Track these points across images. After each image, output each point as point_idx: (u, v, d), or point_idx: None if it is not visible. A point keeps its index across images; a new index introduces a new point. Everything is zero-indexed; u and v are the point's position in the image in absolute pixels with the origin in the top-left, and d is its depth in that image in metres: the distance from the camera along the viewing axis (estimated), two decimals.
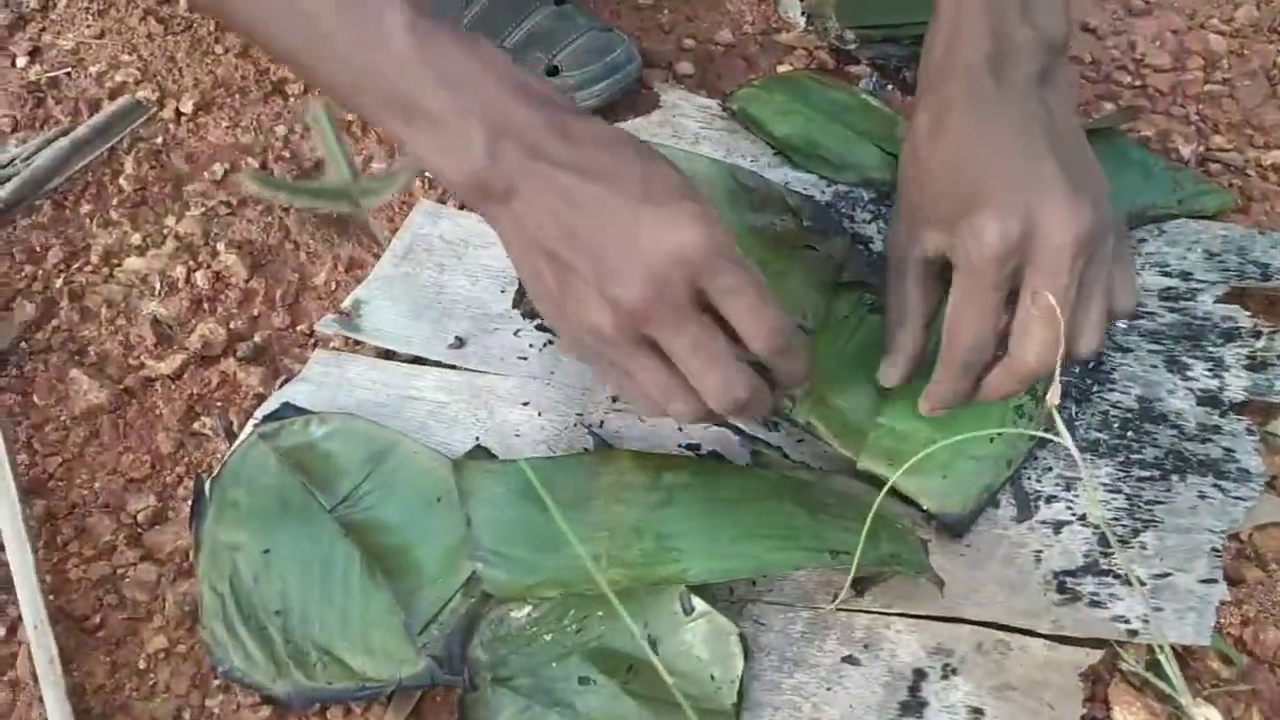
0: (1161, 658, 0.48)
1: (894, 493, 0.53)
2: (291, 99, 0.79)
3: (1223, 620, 0.51)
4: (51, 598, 0.52)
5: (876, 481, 0.54)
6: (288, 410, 0.57)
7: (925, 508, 0.53)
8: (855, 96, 0.77)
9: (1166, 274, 0.64)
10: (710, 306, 0.45)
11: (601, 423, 0.58)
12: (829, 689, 0.49)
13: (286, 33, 0.47)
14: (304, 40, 0.46)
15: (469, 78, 0.44)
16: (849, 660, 0.50)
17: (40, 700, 0.49)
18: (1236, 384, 0.59)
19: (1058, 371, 0.45)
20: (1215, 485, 0.55)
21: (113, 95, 0.79)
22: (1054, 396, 0.44)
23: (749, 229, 0.63)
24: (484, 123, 0.44)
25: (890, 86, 0.80)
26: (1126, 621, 0.50)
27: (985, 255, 0.46)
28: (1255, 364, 0.59)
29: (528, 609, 0.50)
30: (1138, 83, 0.82)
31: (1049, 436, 0.46)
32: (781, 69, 0.82)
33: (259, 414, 0.57)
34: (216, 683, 0.50)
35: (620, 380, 0.48)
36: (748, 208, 0.65)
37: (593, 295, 0.44)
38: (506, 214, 0.46)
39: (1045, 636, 0.50)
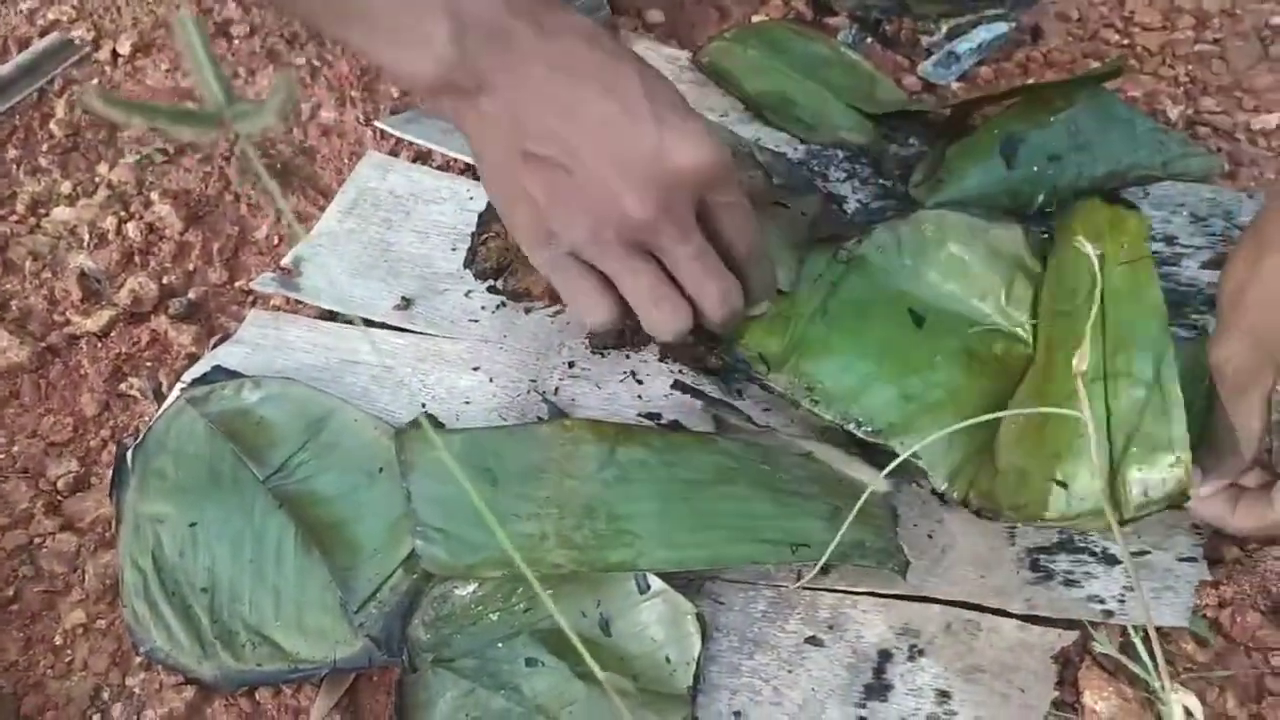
0: (1137, 639, 0.46)
1: (867, 459, 0.51)
2: (236, 41, 0.74)
3: (1200, 601, 0.49)
4: None
5: (849, 444, 0.52)
6: (218, 374, 0.53)
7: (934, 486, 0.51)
8: (834, 50, 0.73)
9: (1151, 238, 0.62)
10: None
11: (556, 390, 0.55)
12: (790, 671, 0.46)
13: None
14: None
15: None
16: (812, 641, 0.47)
17: None
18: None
19: (1088, 338, 0.44)
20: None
21: (44, 34, 0.74)
22: (1081, 363, 0.41)
23: None
24: (446, 10, 0.41)
25: (870, 39, 0.77)
26: (1101, 601, 0.48)
27: None
28: None
29: (473, 587, 0.47)
30: (1126, 41, 0.78)
31: (1069, 412, 0.43)
32: (757, 19, 0.78)
33: (187, 377, 0.54)
34: (138, 660, 0.47)
35: (589, 293, 0.48)
36: None
37: (589, 201, 0.44)
38: (473, 112, 0.44)
39: (1017, 616, 0.47)
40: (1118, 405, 0.47)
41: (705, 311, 0.49)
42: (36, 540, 0.51)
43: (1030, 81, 0.74)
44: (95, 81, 0.72)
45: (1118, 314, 0.49)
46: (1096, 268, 0.48)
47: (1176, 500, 0.46)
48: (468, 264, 0.59)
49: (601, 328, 0.50)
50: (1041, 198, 0.62)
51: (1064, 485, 0.47)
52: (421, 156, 0.66)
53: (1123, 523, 0.47)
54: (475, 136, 0.45)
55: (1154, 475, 0.46)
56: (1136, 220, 0.52)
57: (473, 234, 0.60)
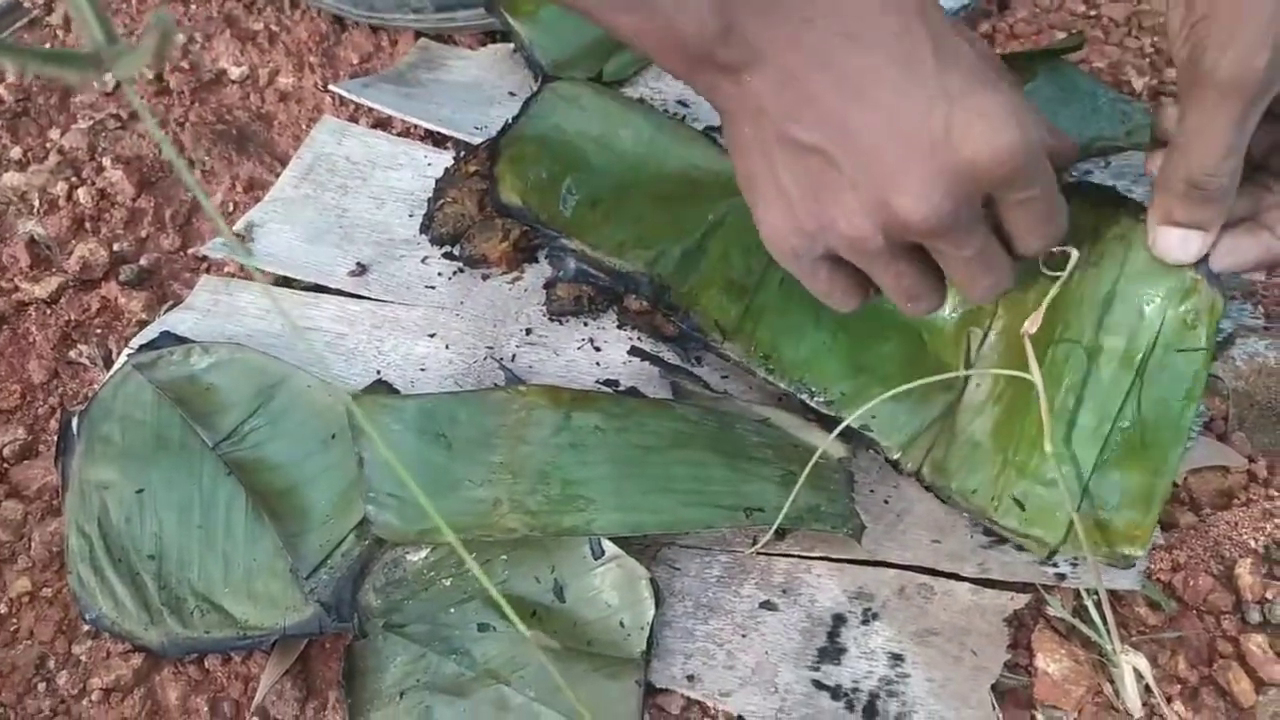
0: (1089, 602, 0.46)
1: (825, 425, 0.51)
2: (192, 5, 0.73)
3: (1153, 565, 0.49)
4: None
5: (806, 410, 0.51)
6: (167, 339, 0.52)
7: (888, 454, 0.50)
8: None
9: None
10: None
11: (514, 356, 0.54)
12: (744, 635, 0.46)
13: None
14: None
15: None
16: (766, 605, 0.47)
17: None
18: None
19: (1044, 307, 0.41)
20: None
21: None
22: (1031, 325, 0.41)
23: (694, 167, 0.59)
24: None
25: None
26: (1055, 564, 0.48)
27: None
28: None
29: (425, 552, 0.47)
30: (1092, 13, 0.78)
31: (1019, 374, 0.42)
32: None
33: (135, 343, 0.53)
34: (85, 629, 0.46)
35: (847, 291, 0.42)
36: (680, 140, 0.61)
37: (858, 199, 0.37)
38: (736, 90, 0.37)
39: (971, 580, 0.48)
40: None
41: (971, 299, 0.42)
42: None
43: (996, 52, 0.73)
44: (47, 47, 0.70)
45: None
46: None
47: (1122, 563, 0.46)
48: (424, 230, 0.58)
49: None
50: None
51: (1020, 505, 0.47)
52: (382, 123, 0.65)
53: (1051, 555, 0.47)
54: (731, 115, 0.38)
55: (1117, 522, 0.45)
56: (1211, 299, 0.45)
57: (430, 200, 0.59)
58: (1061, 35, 0.75)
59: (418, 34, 0.70)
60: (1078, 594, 0.47)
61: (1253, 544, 0.50)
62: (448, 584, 0.46)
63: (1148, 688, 0.45)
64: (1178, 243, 0.43)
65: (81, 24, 0.19)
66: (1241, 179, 0.41)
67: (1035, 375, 0.41)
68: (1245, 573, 0.49)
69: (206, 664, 0.46)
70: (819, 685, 0.45)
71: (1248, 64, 0.36)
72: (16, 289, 0.57)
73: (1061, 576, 0.47)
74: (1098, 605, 0.45)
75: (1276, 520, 0.51)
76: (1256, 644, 0.47)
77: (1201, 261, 0.44)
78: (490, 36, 0.70)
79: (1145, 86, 0.72)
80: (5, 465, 0.51)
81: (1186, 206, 0.42)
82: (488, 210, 0.58)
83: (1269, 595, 0.48)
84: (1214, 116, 0.38)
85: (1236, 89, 0.37)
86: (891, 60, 0.35)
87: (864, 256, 0.40)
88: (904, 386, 0.45)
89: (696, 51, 0.36)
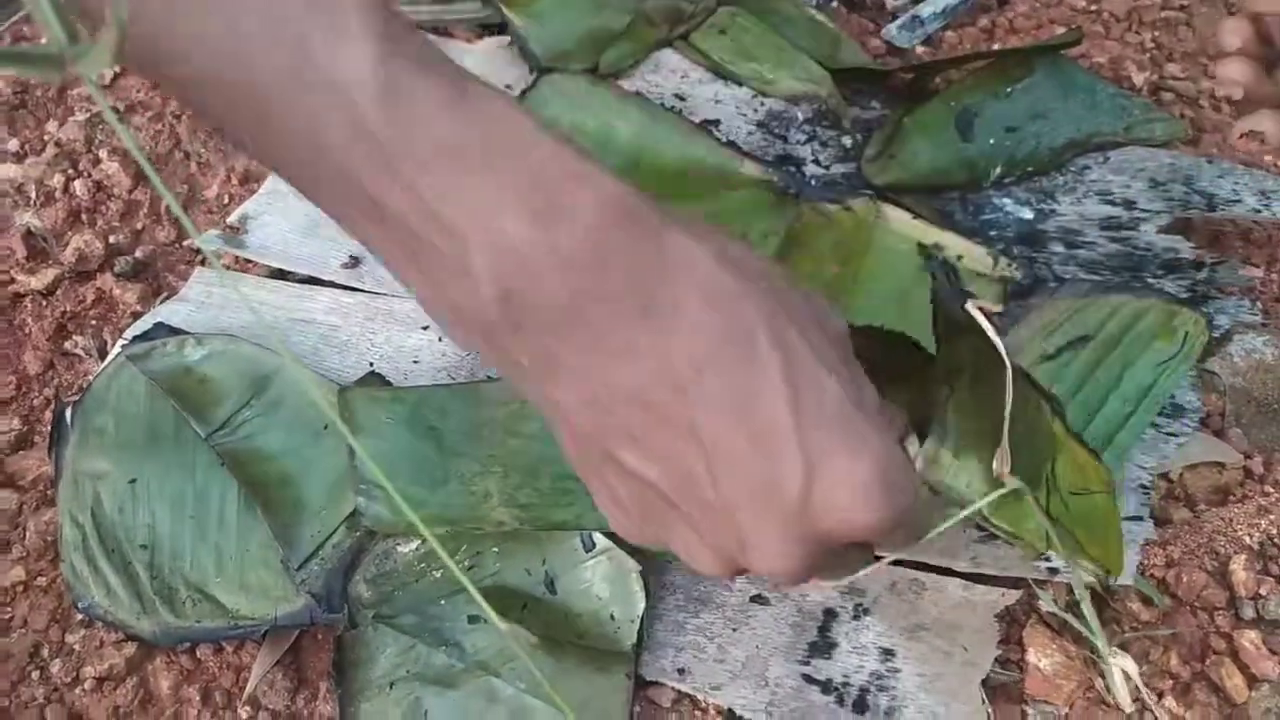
0: (1081, 596, 0.46)
1: None
2: None
3: (1147, 560, 0.49)
4: None
5: None
6: (160, 331, 0.52)
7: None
8: (798, 10, 0.72)
9: (1109, 202, 0.61)
10: None
11: None
12: (735, 629, 0.46)
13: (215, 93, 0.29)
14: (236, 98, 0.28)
15: (469, 167, 0.28)
16: (758, 600, 0.47)
17: None
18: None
19: (1005, 439, 0.37)
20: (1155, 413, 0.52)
21: None
22: (1002, 466, 0.38)
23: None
24: (490, 251, 0.28)
25: (835, 3, 0.76)
26: (1047, 559, 0.48)
27: None
28: (1195, 296, 0.56)
29: (415, 544, 0.47)
30: (1093, 7, 0.78)
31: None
32: None
33: (128, 334, 0.53)
34: (79, 618, 0.47)
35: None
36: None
37: (705, 546, 0.33)
38: (535, 393, 0.32)
39: (963, 575, 0.47)
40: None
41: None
42: None
43: (995, 47, 0.73)
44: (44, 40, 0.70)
45: None
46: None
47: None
48: None
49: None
50: (998, 170, 0.62)
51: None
52: None
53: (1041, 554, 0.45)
54: (543, 414, 0.33)
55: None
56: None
57: None
58: (1061, 30, 0.75)
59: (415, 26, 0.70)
60: (1069, 589, 0.47)
61: (1247, 540, 0.50)
62: (438, 576, 0.46)
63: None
64: None
65: (42, 22, 0.19)
66: None
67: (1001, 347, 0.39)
68: (1239, 568, 0.49)
69: (199, 653, 0.46)
70: (809, 679, 0.45)
71: None
72: (13, 280, 0.58)
73: (1054, 571, 0.47)
74: (1082, 606, 0.45)
75: (1272, 516, 0.51)
76: (1250, 640, 0.47)
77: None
78: (487, 29, 0.70)
79: (1145, 81, 0.71)
80: (1, 455, 0.51)
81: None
82: None
83: (1263, 591, 0.48)
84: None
85: None
86: (734, 408, 0.29)
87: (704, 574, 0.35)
88: None
89: (479, 337, 0.31)
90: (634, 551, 0.46)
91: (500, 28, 0.68)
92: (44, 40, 0.21)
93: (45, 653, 0.46)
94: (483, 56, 0.68)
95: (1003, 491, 0.37)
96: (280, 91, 0.28)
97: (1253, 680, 0.46)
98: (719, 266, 0.29)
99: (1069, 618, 0.46)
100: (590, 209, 0.28)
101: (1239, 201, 0.61)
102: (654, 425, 0.30)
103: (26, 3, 0.20)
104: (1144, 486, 0.50)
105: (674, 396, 0.29)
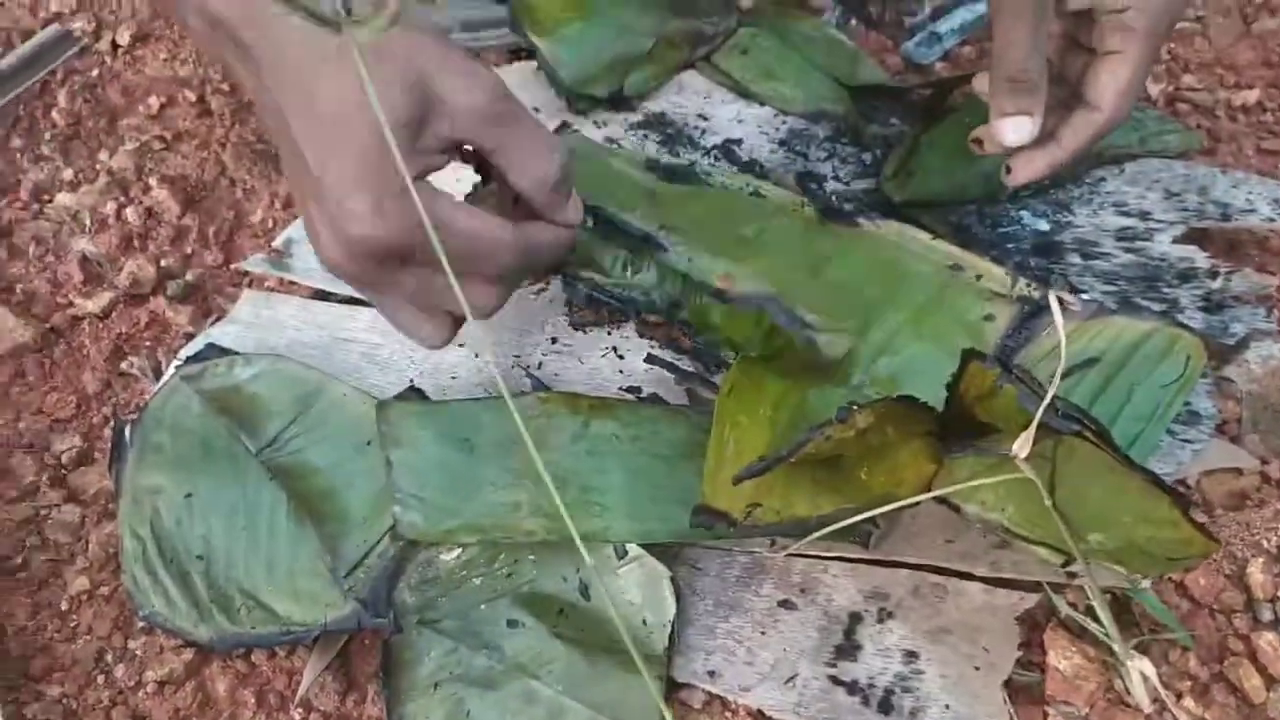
0: (1096, 601, 0.47)
1: None
2: None
3: None
4: None
5: None
6: (211, 351, 0.55)
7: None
8: (818, 29, 0.74)
9: (1124, 213, 0.63)
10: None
11: (540, 364, 0.57)
12: (763, 633, 0.48)
13: None
14: None
15: None
16: (785, 604, 0.49)
17: None
18: (1191, 326, 0.57)
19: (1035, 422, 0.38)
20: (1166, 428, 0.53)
21: (46, 25, 0.76)
22: (1022, 449, 0.38)
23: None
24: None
25: (854, 21, 0.78)
26: (1068, 563, 0.49)
27: None
28: (1211, 306, 0.58)
29: (457, 552, 0.49)
30: None
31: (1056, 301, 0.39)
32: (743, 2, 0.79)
33: (182, 355, 0.56)
34: (139, 625, 0.49)
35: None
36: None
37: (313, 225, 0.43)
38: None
39: (983, 580, 0.49)
40: None
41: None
42: (42, 512, 0.53)
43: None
44: (95, 73, 0.73)
45: None
46: None
47: None
48: None
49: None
50: None
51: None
52: None
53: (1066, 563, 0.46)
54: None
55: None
56: None
57: None
58: None
59: None
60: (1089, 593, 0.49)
61: (1265, 544, 0.51)
62: (478, 583, 0.49)
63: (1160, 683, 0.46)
64: (1011, 129, 0.53)
65: None
66: (1049, 104, 0.53)
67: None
68: (1257, 571, 0.50)
69: (253, 658, 0.48)
70: (836, 681, 0.46)
71: None
72: (71, 304, 0.61)
73: (1073, 575, 0.49)
74: (1098, 609, 0.47)
75: None
76: (1268, 642, 0.48)
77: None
78: (515, 54, 0.73)
79: (1161, 93, 0.73)
80: (64, 471, 0.54)
81: (1012, 98, 0.53)
82: None
83: None
84: (1015, 29, 0.51)
85: (1026, 8, 0.50)
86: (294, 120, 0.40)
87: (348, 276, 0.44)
88: None
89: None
90: (664, 558, 0.48)
91: (529, 52, 0.71)
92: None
93: (109, 658, 0.49)
94: (512, 80, 0.71)
95: (1010, 477, 0.39)
96: None
97: (1271, 681, 0.47)
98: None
99: (1087, 621, 0.48)
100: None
101: (1254, 211, 0.62)
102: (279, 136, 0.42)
103: None
104: None
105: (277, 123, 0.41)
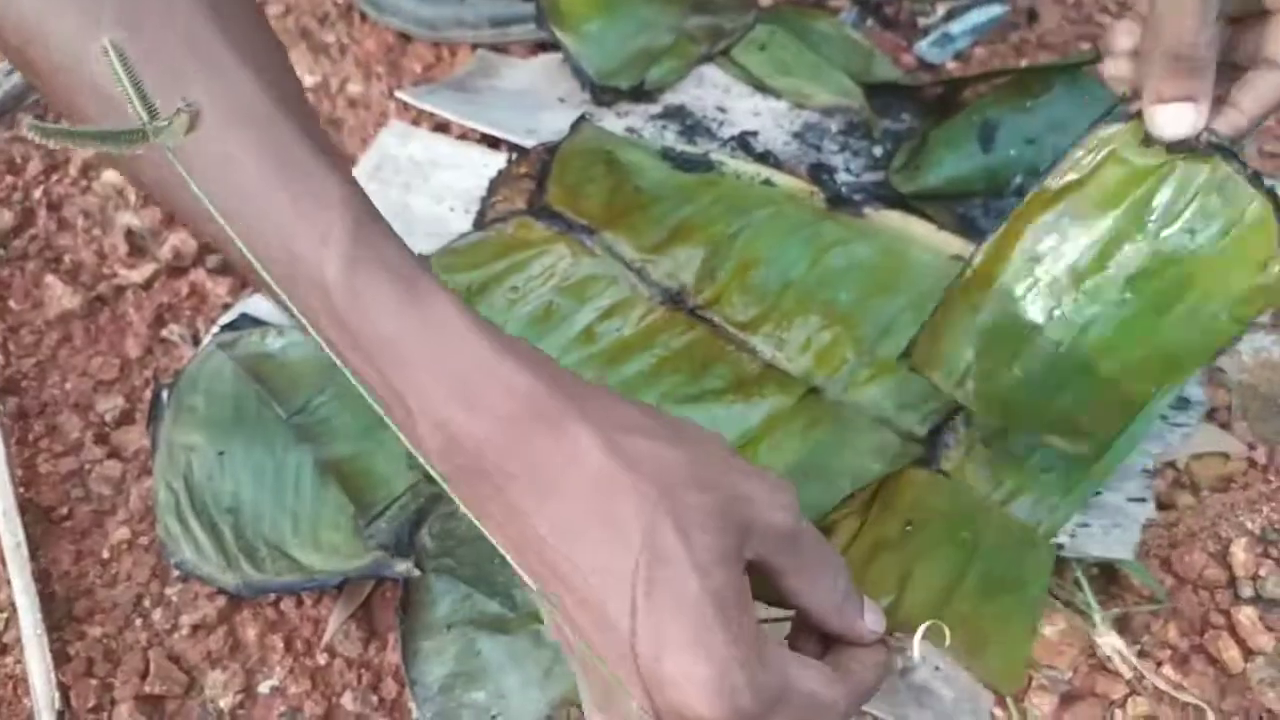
0: (1080, 573, 0.50)
1: None
2: (270, 20, 0.79)
3: (1152, 542, 0.52)
4: (22, 490, 0.55)
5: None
6: (246, 321, 0.58)
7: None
8: (834, 28, 0.77)
9: None
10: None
11: None
12: None
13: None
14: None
15: (412, 360, 0.35)
16: None
17: (9, 583, 0.51)
18: None
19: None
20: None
21: None
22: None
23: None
24: (431, 427, 0.35)
25: (870, 21, 0.80)
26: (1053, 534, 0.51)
27: None
28: None
29: None
30: None
31: None
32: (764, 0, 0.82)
33: (219, 324, 0.59)
34: (175, 574, 0.52)
35: None
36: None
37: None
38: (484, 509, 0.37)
39: None
40: None
41: None
42: (86, 466, 0.56)
43: (1024, 63, 0.77)
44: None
45: None
46: None
47: None
48: (478, 226, 0.64)
49: None
50: (1019, 179, 0.66)
51: None
52: (441, 127, 0.71)
53: None
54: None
55: None
56: None
57: (482, 198, 0.65)
58: (1087, 46, 0.78)
59: (474, 46, 0.76)
60: (1073, 564, 0.51)
61: (1249, 525, 0.53)
62: None
63: (1140, 652, 0.48)
64: (1171, 117, 0.44)
65: (130, 104, 0.24)
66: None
67: None
68: (1240, 551, 0.52)
69: (282, 606, 0.51)
70: None
71: None
72: (116, 275, 0.64)
73: (1060, 546, 0.51)
74: (1082, 582, 0.49)
75: (1273, 504, 0.54)
76: (1246, 615, 0.50)
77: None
78: (541, 47, 0.76)
79: None
80: (107, 429, 0.58)
81: (1174, 80, 0.43)
82: (536, 208, 0.63)
83: (1262, 572, 0.51)
84: None
85: None
86: (591, 589, 0.34)
87: None
88: None
89: (449, 470, 0.37)
90: None
91: (554, 45, 0.74)
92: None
93: (147, 603, 0.52)
94: (538, 72, 0.74)
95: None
96: (276, 278, 0.35)
97: (1249, 653, 0.49)
98: (607, 457, 0.34)
99: (1073, 592, 0.50)
100: (501, 402, 0.35)
101: None
102: (551, 580, 0.36)
103: (105, 81, 0.25)
104: (1147, 470, 0.53)
105: (550, 570, 0.35)
